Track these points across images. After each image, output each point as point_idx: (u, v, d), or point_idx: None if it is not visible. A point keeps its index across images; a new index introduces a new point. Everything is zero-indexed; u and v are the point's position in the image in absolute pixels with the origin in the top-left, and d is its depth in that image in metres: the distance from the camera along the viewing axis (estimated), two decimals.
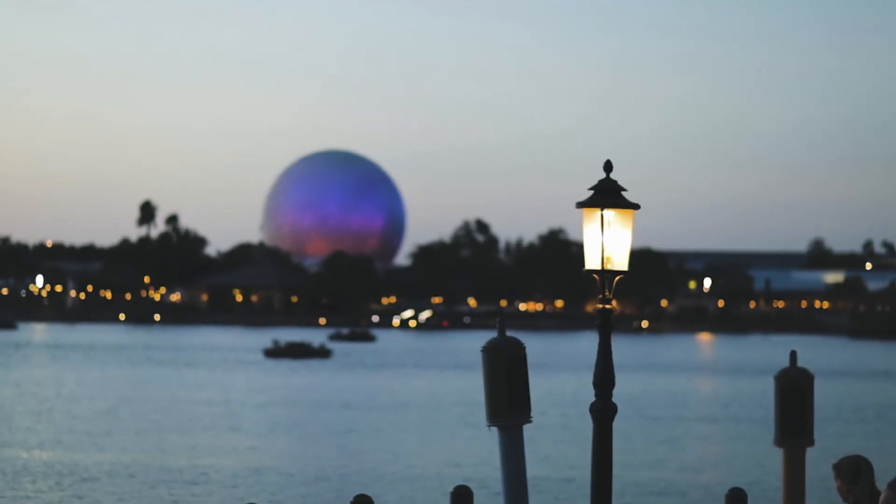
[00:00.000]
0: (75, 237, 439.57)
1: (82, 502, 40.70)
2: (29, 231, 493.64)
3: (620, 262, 8.02)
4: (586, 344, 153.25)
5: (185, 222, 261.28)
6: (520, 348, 11.28)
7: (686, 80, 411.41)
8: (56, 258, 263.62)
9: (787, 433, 14.64)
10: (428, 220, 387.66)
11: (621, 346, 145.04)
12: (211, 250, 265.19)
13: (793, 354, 14.88)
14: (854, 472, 9.85)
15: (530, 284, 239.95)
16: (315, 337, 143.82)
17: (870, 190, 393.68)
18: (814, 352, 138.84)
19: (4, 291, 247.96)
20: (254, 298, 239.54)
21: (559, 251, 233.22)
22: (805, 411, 14.67)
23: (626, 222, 8.10)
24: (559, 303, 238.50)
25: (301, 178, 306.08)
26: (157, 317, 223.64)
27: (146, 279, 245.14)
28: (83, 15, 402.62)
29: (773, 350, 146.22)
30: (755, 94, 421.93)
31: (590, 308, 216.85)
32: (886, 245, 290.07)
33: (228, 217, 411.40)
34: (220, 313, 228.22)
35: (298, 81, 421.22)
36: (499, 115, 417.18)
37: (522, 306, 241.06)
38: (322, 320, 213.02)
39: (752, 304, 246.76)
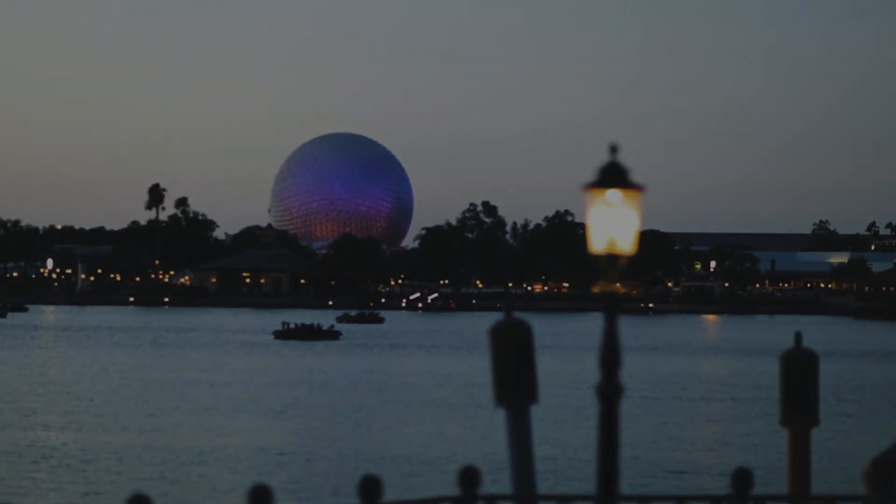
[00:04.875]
0: (85, 220, 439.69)
1: (88, 483, 40.91)
2: (39, 214, 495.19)
3: (626, 244, 8.11)
4: (592, 325, 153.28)
5: (194, 205, 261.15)
6: (527, 330, 11.39)
7: (691, 64, 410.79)
8: (66, 241, 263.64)
9: (793, 413, 14.76)
10: (435, 203, 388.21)
11: (627, 327, 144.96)
12: (219, 233, 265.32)
13: (798, 335, 14.99)
14: None
15: (537, 266, 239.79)
16: (324, 319, 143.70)
17: (874, 172, 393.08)
18: (818, 332, 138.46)
19: (15, 274, 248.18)
20: (262, 281, 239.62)
21: (565, 233, 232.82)
22: (810, 391, 14.77)
23: (632, 203, 8.17)
24: (565, 284, 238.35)
25: (309, 161, 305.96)
26: (166, 299, 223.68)
27: (155, 262, 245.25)
28: None
29: (778, 331, 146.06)
30: (760, 77, 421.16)
31: (596, 290, 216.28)
32: (891, 226, 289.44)
33: (237, 200, 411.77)
34: (229, 296, 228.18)
35: (306, 65, 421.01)
36: (507, 100, 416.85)
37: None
38: (330, 302, 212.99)
39: (758, 286, 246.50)
